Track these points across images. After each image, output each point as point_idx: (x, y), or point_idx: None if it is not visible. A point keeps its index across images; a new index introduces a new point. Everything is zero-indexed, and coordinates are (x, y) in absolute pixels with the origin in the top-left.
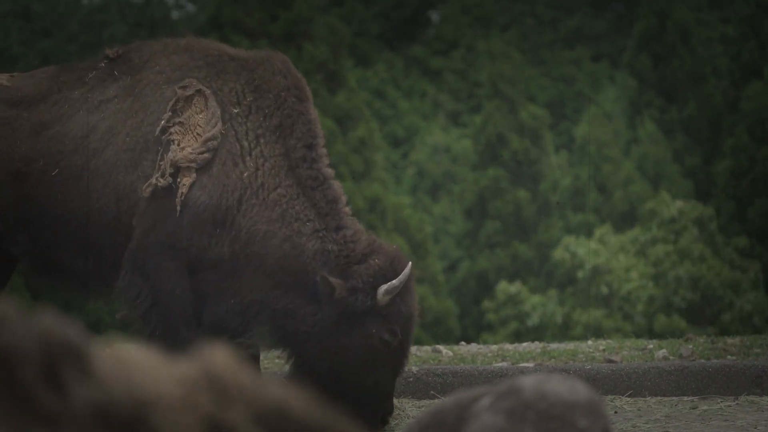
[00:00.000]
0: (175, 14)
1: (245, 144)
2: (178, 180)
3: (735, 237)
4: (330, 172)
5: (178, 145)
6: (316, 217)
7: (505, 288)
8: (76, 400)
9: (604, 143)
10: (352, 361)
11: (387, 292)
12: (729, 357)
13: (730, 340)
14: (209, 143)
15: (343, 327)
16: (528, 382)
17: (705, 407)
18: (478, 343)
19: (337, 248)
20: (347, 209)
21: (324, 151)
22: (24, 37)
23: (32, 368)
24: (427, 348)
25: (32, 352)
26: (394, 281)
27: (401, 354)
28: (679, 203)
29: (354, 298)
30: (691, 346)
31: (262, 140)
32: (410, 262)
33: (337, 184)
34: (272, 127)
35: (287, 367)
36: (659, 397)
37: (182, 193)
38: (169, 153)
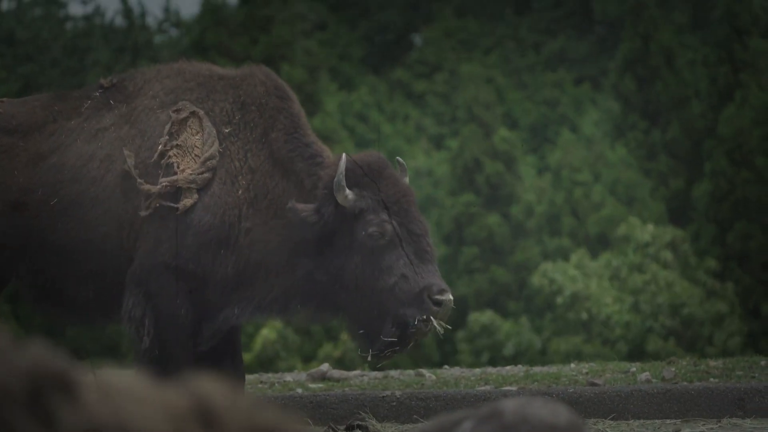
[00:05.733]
0: (158, 39)
1: (237, 163)
2: (180, 201)
3: (712, 260)
4: (312, 139)
5: (178, 167)
6: (296, 189)
7: (477, 318)
8: (64, 431)
9: (578, 168)
10: (372, 270)
11: (336, 190)
12: (711, 379)
13: (712, 363)
14: (208, 163)
15: (345, 249)
16: (510, 406)
17: (688, 430)
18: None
19: (311, 182)
20: (319, 145)
21: (311, 135)
22: (6, 61)
23: (18, 400)
24: (410, 372)
25: (19, 385)
26: (334, 177)
27: (409, 234)
28: (650, 227)
29: (321, 215)
30: (673, 369)
31: (249, 155)
32: (344, 153)
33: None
34: (257, 138)
35: (343, 322)
36: (642, 420)
37: (185, 213)
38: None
